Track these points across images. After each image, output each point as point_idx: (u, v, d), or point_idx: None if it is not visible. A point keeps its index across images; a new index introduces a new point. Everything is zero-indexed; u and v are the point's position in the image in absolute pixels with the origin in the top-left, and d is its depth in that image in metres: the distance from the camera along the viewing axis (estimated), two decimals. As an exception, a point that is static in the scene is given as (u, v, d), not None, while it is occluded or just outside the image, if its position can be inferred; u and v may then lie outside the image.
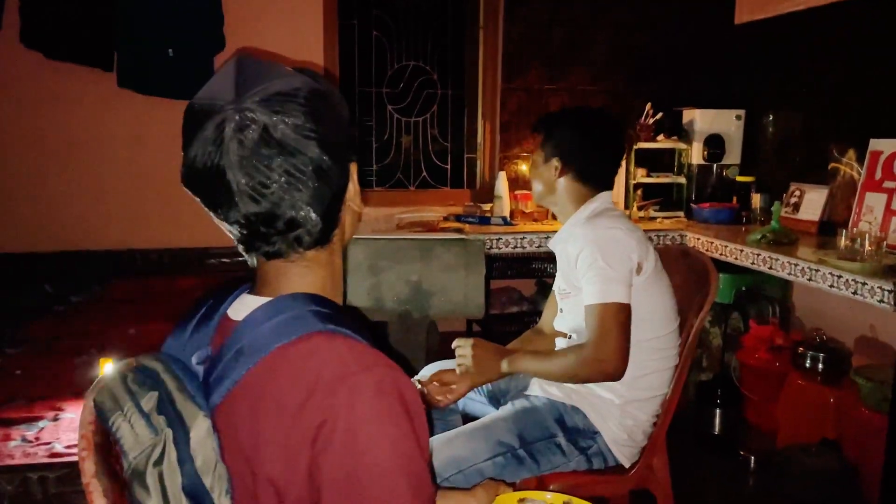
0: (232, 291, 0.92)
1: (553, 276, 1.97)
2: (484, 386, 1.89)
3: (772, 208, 2.74)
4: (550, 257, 2.49)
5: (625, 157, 2.48)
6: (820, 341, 2.63)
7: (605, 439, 1.72)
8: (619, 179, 2.91)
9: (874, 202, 2.54)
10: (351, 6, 3.37)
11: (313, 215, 0.83)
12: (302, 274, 0.87)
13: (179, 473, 0.76)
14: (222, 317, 0.89)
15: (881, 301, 2.01)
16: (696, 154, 3.28)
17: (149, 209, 3.12)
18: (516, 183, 3.35)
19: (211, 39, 3.01)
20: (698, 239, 2.90)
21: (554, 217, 3.01)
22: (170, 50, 2.95)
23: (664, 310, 1.75)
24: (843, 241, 2.34)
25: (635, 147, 3.23)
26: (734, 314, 2.97)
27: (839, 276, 2.16)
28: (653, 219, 3.20)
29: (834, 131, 2.85)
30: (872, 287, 2.04)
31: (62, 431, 1.65)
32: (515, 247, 2.86)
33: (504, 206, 3.12)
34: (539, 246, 2.87)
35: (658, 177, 3.34)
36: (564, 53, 3.43)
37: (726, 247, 2.71)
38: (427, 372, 1.90)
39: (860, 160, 2.68)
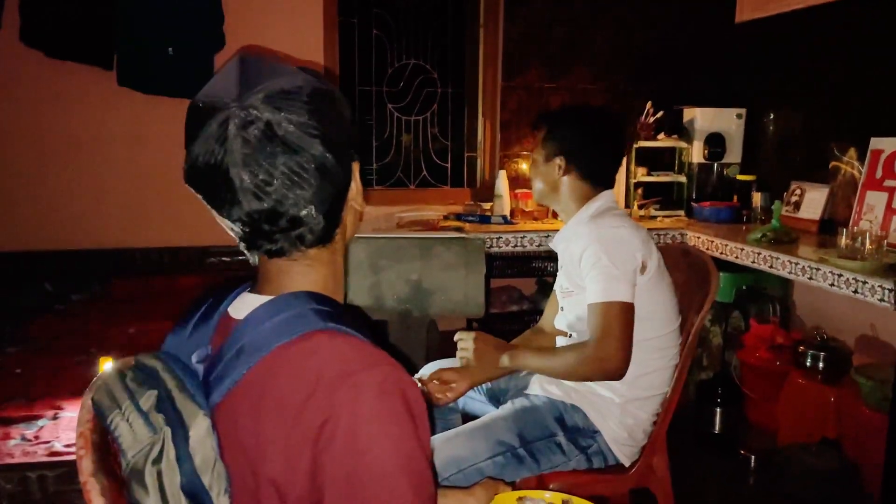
0: (232, 290, 0.92)
1: (553, 274, 1.96)
2: (484, 385, 1.90)
3: (772, 207, 2.74)
4: (551, 256, 2.49)
5: (625, 155, 2.48)
6: (820, 340, 2.62)
7: (606, 438, 1.72)
8: (620, 178, 2.90)
9: (875, 201, 2.54)
10: (351, 4, 3.36)
11: (316, 213, 0.82)
12: (304, 272, 0.87)
13: (178, 472, 0.76)
14: (222, 315, 0.89)
15: (882, 300, 2.01)
16: (696, 153, 3.28)
17: (149, 208, 3.12)
18: (516, 181, 3.34)
19: (211, 38, 3.01)
20: (699, 238, 2.89)
21: (555, 215, 3.01)
22: (170, 48, 2.94)
23: (666, 309, 1.75)
24: (843, 240, 2.33)
25: (636, 146, 3.22)
26: (735, 313, 2.97)
27: (840, 275, 2.16)
28: (653, 218, 3.20)
29: (835, 130, 2.85)
30: (873, 286, 2.04)
31: (62, 430, 1.65)
32: (516, 245, 2.86)
33: (504, 204, 3.11)
34: (539, 245, 2.86)
35: (658, 175, 3.33)
36: (565, 52, 3.42)
37: (727, 245, 2.71)
38: (427, 370, 1.90)
39: (861, 159, 2.68)
